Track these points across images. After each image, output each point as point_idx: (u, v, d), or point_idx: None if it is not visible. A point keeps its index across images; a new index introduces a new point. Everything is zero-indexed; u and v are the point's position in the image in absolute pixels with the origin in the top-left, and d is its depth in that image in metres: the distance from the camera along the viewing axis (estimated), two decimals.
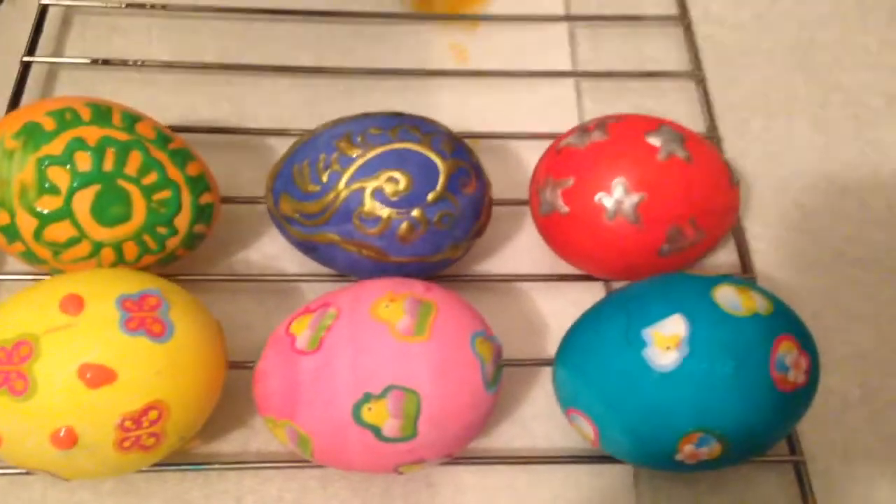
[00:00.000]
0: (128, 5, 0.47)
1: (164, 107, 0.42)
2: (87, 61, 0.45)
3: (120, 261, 0.34)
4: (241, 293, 0.39)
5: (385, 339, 0.30)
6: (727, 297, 0.30)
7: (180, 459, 0.34)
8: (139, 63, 0.45)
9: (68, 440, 0.28)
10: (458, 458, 0.35)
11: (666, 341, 0.29)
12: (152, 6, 0.47)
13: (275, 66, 0.46)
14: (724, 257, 0.42)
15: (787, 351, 0.30)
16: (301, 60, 0.47)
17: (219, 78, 0.46)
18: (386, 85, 0.47)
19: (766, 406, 0.29)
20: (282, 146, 0.43)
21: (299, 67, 0.46)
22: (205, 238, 0.37)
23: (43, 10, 0.46)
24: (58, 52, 0.46)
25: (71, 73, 0.46)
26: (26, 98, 0.43)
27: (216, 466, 0.34)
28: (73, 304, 0.29)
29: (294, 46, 0.48)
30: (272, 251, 0.41)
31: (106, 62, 0.45)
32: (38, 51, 0.45)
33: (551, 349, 0.36)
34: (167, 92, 0.45)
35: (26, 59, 0.44)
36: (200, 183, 0.35)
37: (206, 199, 0.35)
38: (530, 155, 0.43)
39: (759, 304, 0.30)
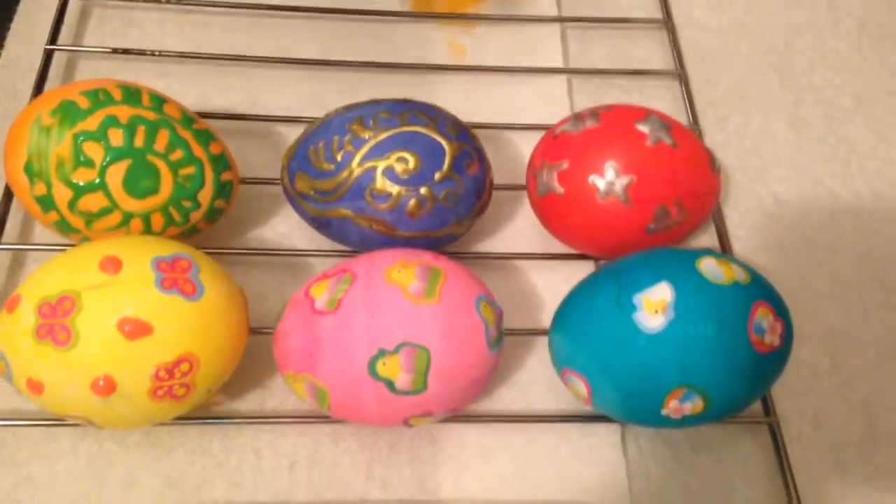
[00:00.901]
0: None
1: (178, 95, 0.43)
2: (109, 50, 0.47)
3: (147, 231, 0.36)
4: (255, 267, 0.42)
5: (398, 301, 0.32)
6: (709, 267, 0.33)
7: (202, 414, 0.37)
8: (157, 53, 0.47)
9: (107, 388, 0.30)
10: (460, 417, 0.37)
11: (654, 306, 0.32)
12: (167, 0, 0.50)
13: (283, 58, 0.49)
14: (706, 241, 0.45)
15: (763, 316, 0.32)
16: (307, 54, 0.50)
17: (230, 69, 0.49)
18: (388, 79, 0.50)
19: (744, 365, 0.32)
20: (290, 133, 0.46)
21: (306, 60, 0.49)
22: (224, 213, 0.39)
23: (64, 1, 0.48)
24: (77, 42, 0.49)
25: (90, 63, 0.48)
26: (48, 85, 0.45)
27: (236, 421, 0.37)
28: (112, 264, 0.32)
29: (300, 40, 0.51)
30: (283, 229, 0.43)
31: (125, 52, 0.47)
32: (59, 41, 0.47)
33: (545, 321, 0.39)
34: (182, 81, 0.48)
35: (49, 47, 0.46)
36: (221, 161, 0.38)
37: (226, 176, 0.38)
38: (525, 144, 0.47)
39: (738, 273, 0.33)
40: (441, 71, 0.50)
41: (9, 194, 0.41)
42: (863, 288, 0.44)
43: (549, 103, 0.50)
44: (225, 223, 0.41)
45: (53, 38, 0.47)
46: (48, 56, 0.46)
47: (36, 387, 0.31)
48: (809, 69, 0.53)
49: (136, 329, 0.31)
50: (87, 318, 0.30)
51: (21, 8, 0.50)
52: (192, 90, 0.47)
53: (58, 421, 0.36)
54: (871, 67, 0.53)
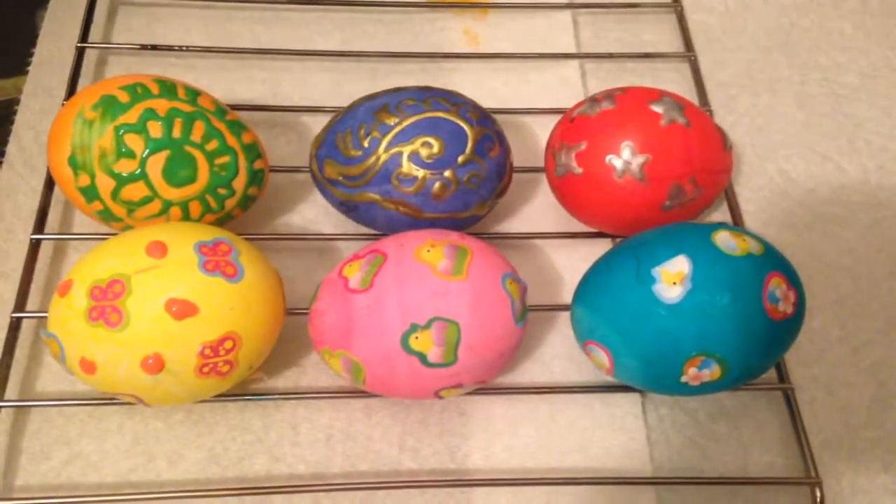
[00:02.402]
0: None
1: (205, 88, 0.45)
2: (138, 47, 0.49)
3: (185, 219, 0.38)
4: (284, 251, 0.44)
5: (428, 278, 0.34)
6: (724, 239, 0.35)
7: (241, 392, 0.39)
8: (184, 48, 0.49)
9: (156, 366, 0.32)
10: (487, 390, 0.39)
11: (672, 278, 0.34)
12: None
13: (304, 50, 0.51)
14: (719, 217, 0.46)
15: (776, 285, 0.34)
16: (327, 45, 0.52)
17: (253, 62, 0.51)
18: (406, 67, 0.51)
19: (759, 332, 0.34)
20: (313, 122, 0.48)
21: (326, 52, 0.51)
22: (256, 200, 0.41)
23: (92, 1, 0.50)
24: (106, 40, 0.51)
25: (119, 59, 0.50)
26: (81, 81, 0.47)
27: (273, 397, 0.39)
28: (158, 249, 0.33)
29: (320, 33, 0.52)
30: (310, 215, 0.45)
31: (154, 48, 0.49)
32: (89, 39, 0.49)
33: (565, 297, 0.41)
34: (207, 75, 0.50)
35: (80, 45, 0.48)
36: (253, 150, 0.40)
37: (258, 164, 0.40)
38: (541, 128, 0.48)
39: (752, 245, 0.35)
40: (457, 58, 0.52)
41: (49, 186, 0.42)
42: (870, 259, 0.46)
43: (563, 88, 0.51)
44: (253, 210, 0.43)
45: (84, 37, 0.48)
46: (80, 53, 0.48)
47: (89, 366, 0.33)
48: (815, 48, 0.54)
49: (182, 309, 0.32)
50: (137, 299, 0.32)
51: (50, 7, 0.51)
52: (217, 83, 0.49)
53: (105, 401, 0.37)
54: (874, 45, 0.55)
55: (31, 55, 0.49)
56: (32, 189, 0.44)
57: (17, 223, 0.43)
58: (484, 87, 0.51)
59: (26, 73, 0.49)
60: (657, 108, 0.39)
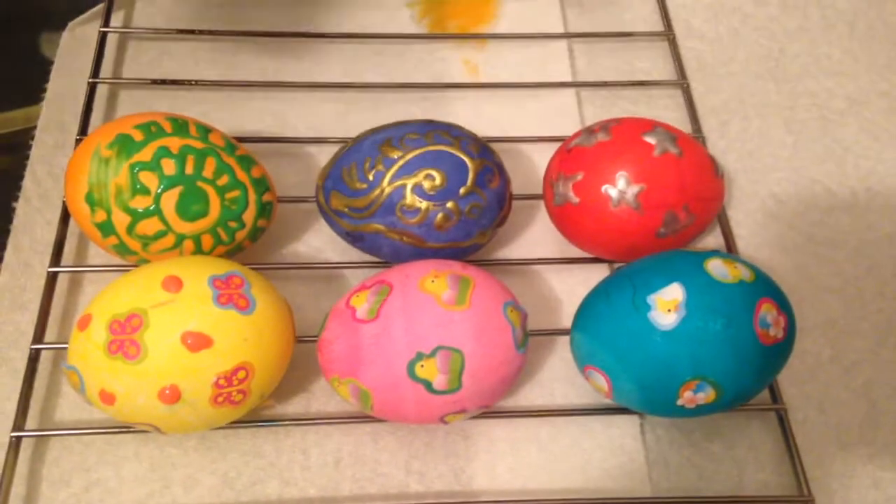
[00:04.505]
0: (179, 31, 0.53)
1: (214, 121, 0.46)
2: (148, 81, 0.50)
3: (198, 251, 0.40)
4: (292, 280, 0.45)
5: (433, 308, 0.35)
6: (717, 267, 0.36)
7: (253, 419, 0.40)
8: (193, 82, 0.50)
9: (173, 396, 0.34)
10: (489, 413, 0.41)
11: (667, 305, 0.35)
12: (200, 32, 0.53)
13: (309, 82, 0.52)
14: (712, 241, 0.48)
15: (767, 311, 0.35)
16: (332, 77, 0.53)
17: (261, 94, 0.52)
18: (408, 97, 0.53)
19: (751, 356, 0.35)
20: (319, 152, 0.49)
21: (331, 83, 0.52)
22: (265, 231, 0.42)
23: (103, 36, 0.51)
24: (116, 74, 0.52)
25: (130, 93, 0.51)
26: (93, 116, 0.49)
27: (284, 423, 0.40)
28: (174, 283, 0.35)
29: (325, 65, 0.54)
30: (317, 244, 0.47)
31: (164, 82, 0.50)
32: (100, 74, 0.50)
33: (564, 322, 0.43)
34: (216, 108, 0.51)
35: (92, 80, 0.49)
36: (262, 184, 0.41)
37: (267, 197, 0.41)
38: (539, 156, 0.50)
39: (743, 273, 0.36)
40: (457, 88, 0.53)
41: (65, 220, 0.44)
42: (860, 280, 0.47)
43: (560, 116, 0.53)
44: (261, 239, 0.44)
45: (95, 72, 0.50)
46: (91, 89, 0.49)
47: (108, 398, 0.34)
48: (804, 73, 0.56)
49: (197, 342, 0.34)
50: (154, 333, 0.34)
51: (62, 43, 0.53)
52: (226, 116, 0.51)
53: (122, 429, 0.39)
54: (862, 70, 0.56)
55: (40, 87, 0.51)
56: (48, 222, 0.45)
57: (34, 256, 0.45)
58: (483, 115, 0.52)
59: (35, 103, 0.50)
60: (650, 139, 0.41)
